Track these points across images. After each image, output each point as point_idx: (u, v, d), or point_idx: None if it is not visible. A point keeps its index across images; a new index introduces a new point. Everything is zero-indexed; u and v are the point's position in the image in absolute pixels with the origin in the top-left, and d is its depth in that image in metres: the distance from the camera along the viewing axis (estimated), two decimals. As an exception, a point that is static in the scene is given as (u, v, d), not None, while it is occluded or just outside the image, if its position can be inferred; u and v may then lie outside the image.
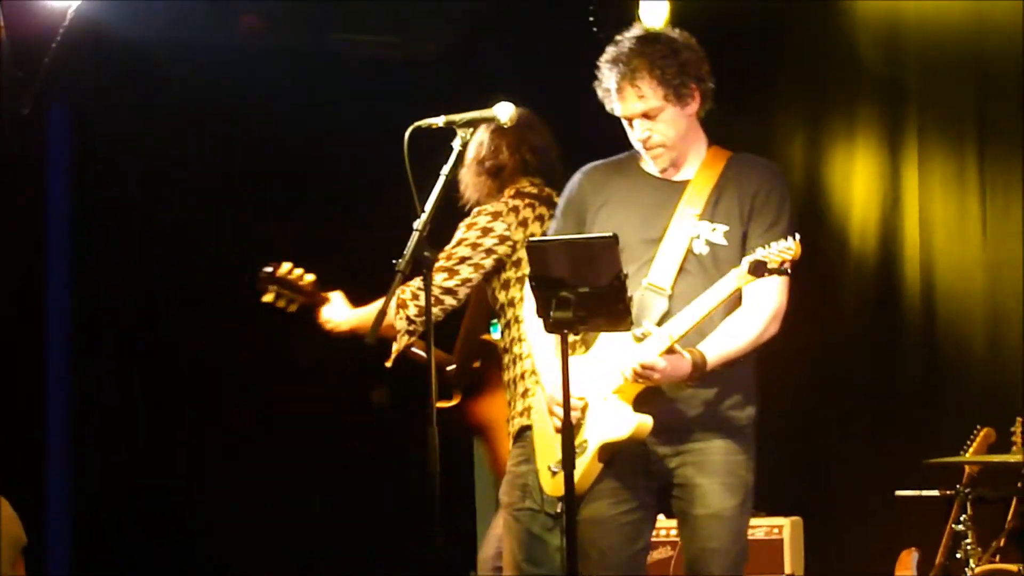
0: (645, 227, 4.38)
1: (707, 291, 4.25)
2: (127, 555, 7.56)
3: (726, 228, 4.41)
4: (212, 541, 7.68)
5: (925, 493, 6.34)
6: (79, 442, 7.66)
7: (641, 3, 7.17)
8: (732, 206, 4.42)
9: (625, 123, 4.45)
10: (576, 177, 4.60)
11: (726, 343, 4.31)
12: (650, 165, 4.51)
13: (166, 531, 7.63)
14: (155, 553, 7.61)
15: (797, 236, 4.15)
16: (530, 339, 4.61)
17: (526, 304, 4.61)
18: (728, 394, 4.40)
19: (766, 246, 4.16)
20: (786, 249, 4.13)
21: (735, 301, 4.34)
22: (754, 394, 4.47)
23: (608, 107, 4.46)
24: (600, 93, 4.45)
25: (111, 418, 7.61)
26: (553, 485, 4.50)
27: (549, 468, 4.49)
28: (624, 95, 4.37)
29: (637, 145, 4.46)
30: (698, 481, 4.37)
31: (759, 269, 4.15)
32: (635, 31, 4.46)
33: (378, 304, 4.66)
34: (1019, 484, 5.99)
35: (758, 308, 4.33)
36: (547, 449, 4.54)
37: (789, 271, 4.15)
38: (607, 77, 4.41)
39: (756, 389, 4.48)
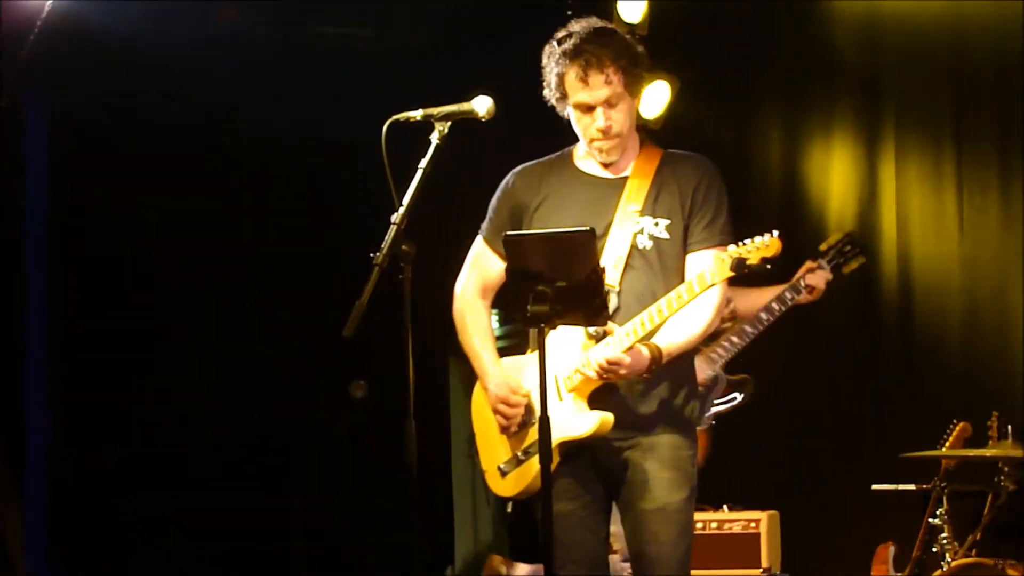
0: (589, 225, 4.38)
1: (677, 291, 4.27)
2: (102, 553, 7.54)
3: (667, 222, 4.45)
4: (189, 538, 7.66)
5: (902, 487, 6.38)
6: (57, 438, 7.62)
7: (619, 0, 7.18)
8: (672, 200, 4.46)
9: (578, 113, 4.46)
10: (508, 178, 4.62)
11: (678, 336, 4.37)
12: (586, 163, 4.55)
13: (143, 529, 7.61)
14: (132, 550, 7.59)
15: (776, 232, 4.17)
16: (466, 337, 4.62)
17: (470, 305, 4.63)
18: (677, 389, 4.46)
19: (740, 243, 4.19)
20: (763, 246, 4.16)
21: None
22: (696, 389, 4.54)
23: (554, 99, 4.47)
24: (552, 85, 4.46)
25: (89, 415, 7.57)
26: (504, 486, 4.53)
27: (499, 469, 4.51)
28: (591, 81, 4.39)
29: (590, 134, 4.46)
30: (646, 475, 4.40)
31: (739, 266, 4.16)
32: (584, 25, 4.48)
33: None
34: (995, 478, 6.02)
35: (703, 303, 4.36)
36: (493, 450, 4.56)
37: (769, 267, 4.17)
38: (566, 66, 4.41)
39: (696, 385, 4.54)
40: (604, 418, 4.34)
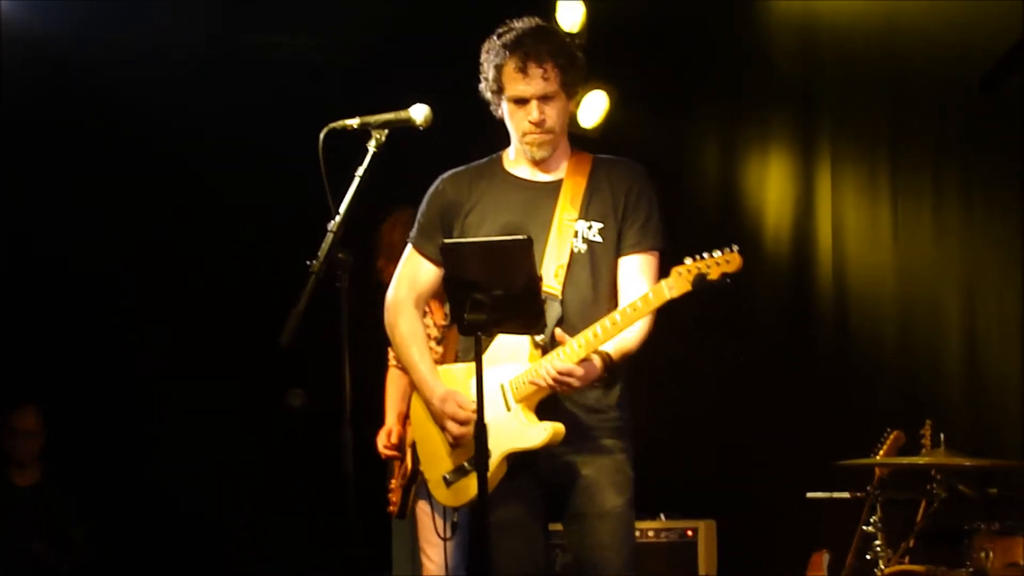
0: (525, 230, 4.39)
1: (632, 302, 4.27)
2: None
3: (601, 225, 4.49)
4: (126, 545, 7.61)
5: (836, 495, 6.41)
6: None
7: (558, 5, 7.20)
8: (605, 204, 4.50)
9: (512, 107, 4.48)
10: (436, 184, 4.64)
11: (624, 342, 4.38)
12: (517, 168, 4.57)
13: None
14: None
15: (735, 247, 4.17)
16: (402, 348, 4.61)
17: (403, 313, 4.61)
18: (615, 394, 4.49)
19: (698, 256, 4.18)
20: (723, 260, 4.16)
21: (610, 299, 4.42)
22: (630, 395, 4.55)
23: (490, 93, 4.50)
24: (489, 78, 4.48)
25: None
26: (448, 495, 4.53)
27: (443, 478, 4.51)
28: (529, 74, 4.42)
29: (523, 128, 4.48)
30: (588, 481, 4.43)
31: (700, 282, 4.15)
32: (526, 22, 4.51)
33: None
34: (928, 486, 6.06)
35: None
36: (435, 460, 4.56)
37: (729, 282, 4.17)
38: (505, 58, 4.43)
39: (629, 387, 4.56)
40: (556, 428, 4.35)
